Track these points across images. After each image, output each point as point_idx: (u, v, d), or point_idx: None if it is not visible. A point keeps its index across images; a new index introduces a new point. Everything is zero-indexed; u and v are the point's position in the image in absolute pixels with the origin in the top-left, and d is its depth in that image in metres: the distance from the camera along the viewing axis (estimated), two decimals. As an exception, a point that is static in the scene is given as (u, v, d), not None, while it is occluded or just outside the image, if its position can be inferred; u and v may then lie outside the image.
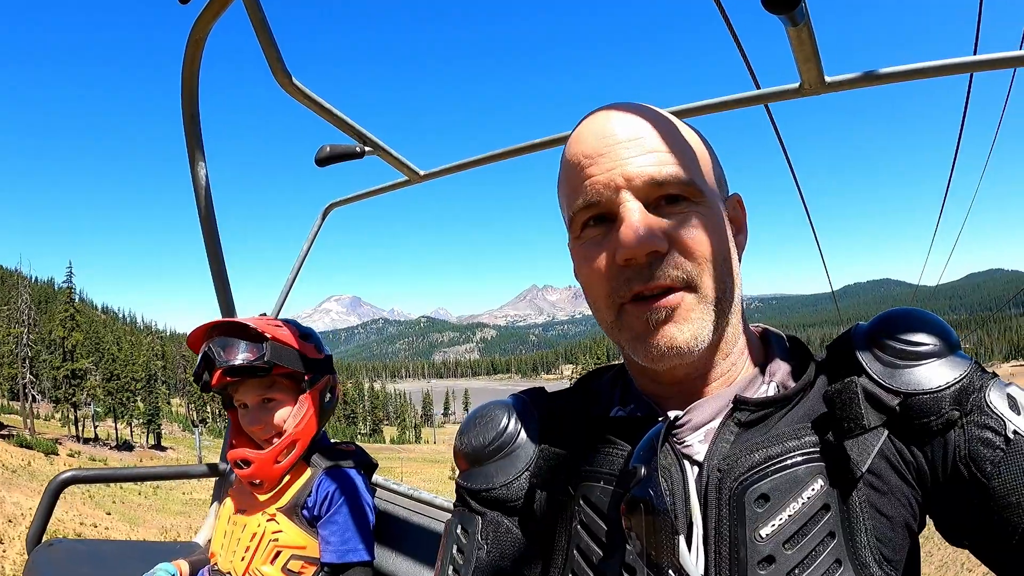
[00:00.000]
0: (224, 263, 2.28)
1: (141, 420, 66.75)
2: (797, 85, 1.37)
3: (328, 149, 1.86)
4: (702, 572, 0.72)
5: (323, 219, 2.56)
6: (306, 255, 2.62)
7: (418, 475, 62.12)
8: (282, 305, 2.55)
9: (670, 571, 0.70)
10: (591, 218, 0.79)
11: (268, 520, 1.74)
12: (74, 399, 59.63)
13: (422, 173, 2.12)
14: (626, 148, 0.76)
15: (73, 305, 63.71)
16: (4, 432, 49.95)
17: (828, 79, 1.31)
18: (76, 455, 49.84)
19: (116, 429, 65.98)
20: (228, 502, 1.89)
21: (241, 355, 1.67)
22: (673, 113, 1.61)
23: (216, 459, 2.61)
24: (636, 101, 0.83)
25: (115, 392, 64.72)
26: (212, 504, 2.58)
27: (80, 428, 61.55)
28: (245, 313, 2.19)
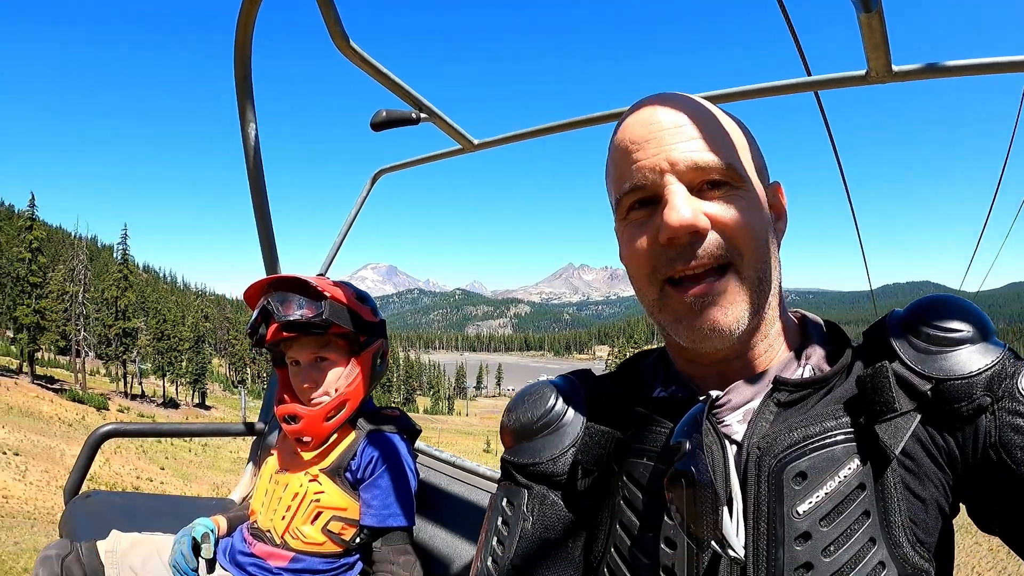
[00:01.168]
0: (271, 223, 2.27)
1: (188, 379, 68.61)
2: (863, 72, 1.33)
3: (384, 114, 1.83)
4: (742, 544, 0.73)
5: (372, 185, 2.54)
6: (354, 219, 2.60)
7: (454, 446, 62.54)
8: (329, 266, 2.54)
9: (712, 543, 0.70)
10: (637, 201, 0.80)
11: (311, 480, 1.73)
12: (124, 356, 61.50)
13: (476, 142, 2.08)
14: (670, 135, 0.78)
15: (127, 266, 65.36)
16: (56, 387, 52.05)
17: (895, 68, 1.28)
18: (125, 411, 51.67)
19: (164, 387, 68.15)
20: (270, 461, 1.88)
21: (300, 311, 1.66)
22: (734, 94, 1.63)
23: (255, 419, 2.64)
24: (685, 87, 0.84)
25: (164, 351, 66.58)
26: (248, 463, 2.58)
27: (128, 385, 63.68)
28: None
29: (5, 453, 29.20)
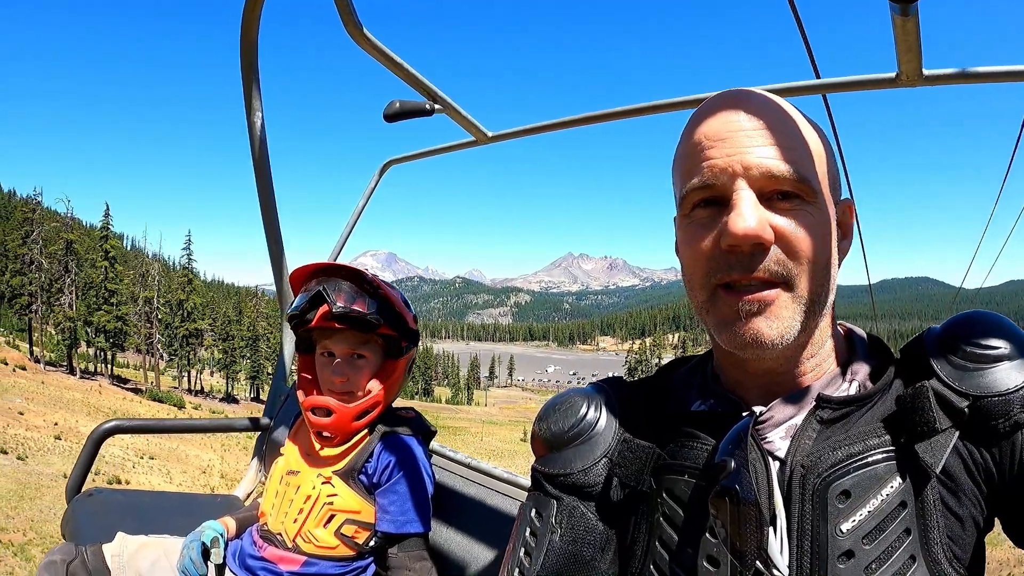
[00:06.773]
0: (277, 215, 2.12)
1: (247, 375, 70.84)
2: (894, 75, 1.26)
3: (398, 105, 1.73)
4: (786, 562, 0.70)
5: (380, 175, 2.39)
6: (362, 210, 2.45)
7: (494, 436, 63.37)
8: (337, 258, 2.40)
9: (756, 561, 0.68)
10: (703, 199, 0.75)
11: (323, 483, 1.59)
12: (191, 356, 63.48)
13: (490, 135, 1.96)
14: (749, 137, 0.72)
15: (190, 271, 67.27)
16: (130, 387, 54.13)
17: (926, 72, 1.21)
18: (198, 408, 53.10)
19: (226, 384, 70.27)
20: (280, 461, 1.73)
21: (356, 303, 1.53)
22: (767, 91, 1.20)
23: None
24: (752, 85, 0.84)
25: (228, 351, 68.89)
26: (253, 459, 2.42)
27: (191, 382, 65.69)
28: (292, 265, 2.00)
29: (143, 459, 29.32)
